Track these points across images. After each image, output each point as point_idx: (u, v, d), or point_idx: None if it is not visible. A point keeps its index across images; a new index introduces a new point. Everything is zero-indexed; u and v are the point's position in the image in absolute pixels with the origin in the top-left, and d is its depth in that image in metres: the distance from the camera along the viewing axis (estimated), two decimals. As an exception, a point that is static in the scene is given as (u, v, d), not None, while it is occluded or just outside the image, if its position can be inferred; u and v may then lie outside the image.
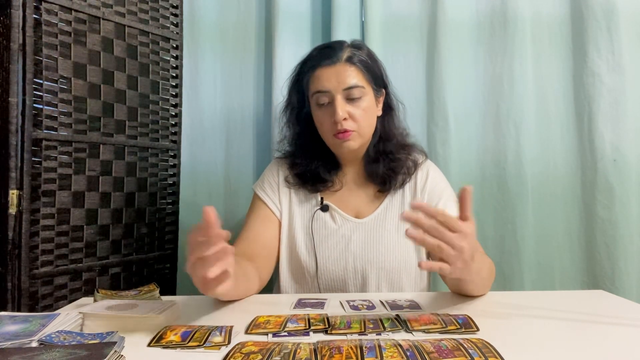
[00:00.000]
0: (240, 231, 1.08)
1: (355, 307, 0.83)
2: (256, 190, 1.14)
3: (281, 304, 0.87)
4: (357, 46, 1.05)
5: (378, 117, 1.08)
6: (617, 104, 1.37)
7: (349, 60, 1.01)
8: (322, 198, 1.09)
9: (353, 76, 1.00)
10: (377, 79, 1.06)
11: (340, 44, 1.05)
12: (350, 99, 1.00)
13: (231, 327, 0.71)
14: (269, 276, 1.06)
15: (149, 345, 0.65)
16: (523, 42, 1.42)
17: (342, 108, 0.99)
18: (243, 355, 0.59)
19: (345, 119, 0.99)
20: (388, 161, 1.07)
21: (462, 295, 0.92)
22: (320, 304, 0.85)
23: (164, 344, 0.65)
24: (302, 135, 1.11)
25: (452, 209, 1.05)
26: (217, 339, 0.66)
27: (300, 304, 0.86)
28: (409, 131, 1.16)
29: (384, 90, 1.09)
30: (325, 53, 1.02)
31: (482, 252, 0.93)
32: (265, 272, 1.03)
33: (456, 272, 0.68)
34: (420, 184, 1.09)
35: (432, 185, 1.09)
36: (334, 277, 1.04)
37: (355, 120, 1.01)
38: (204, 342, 0.65)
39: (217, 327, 0.71)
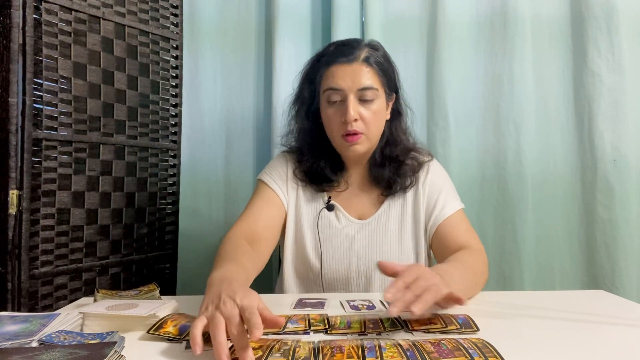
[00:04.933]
0: (241, 214, 1.05)
1: (355, 307, 0.83)
2: (263, 178, 1.10)
3: (281, 304, 0.87)
4: (375, 47, 1.04)
5: (386, 121, 1.06)
6: (617, 104, 1.37)
7: (366, 60, 0.99)
8: (329, 197, 1.09)
9: (368, 77, 0.99)
10: (390, 82, 1.05)
11: (357, 43, 1.03)
12: (362, 100, 0.98)
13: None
14: (268, 258, 1.03)
15: (147, 332, 0.66)
16: (523, 42, 1.42)
17: (354, 108, 0.97)
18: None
19: (355, 119, 0.98)
20: (394, 165, 1.07)
21: None
22: (320, 304, 0.85)
23: (161, 333, 0.66)
24: (309, 131, 1.09)
25: (451, 203, 1.06)
26: None
27: (300, 303, 0.86)
28: (414, 136, 1.15)
29: (394, 95, 1.07)
30: (342, 50, 1.00)
31: (460, 272, 0.86)
32: (265, 255, 1.01)
33: (441, 289, 0.70)
34: (420, 183, 1.09)
35: (431, 182, 1.08)
36: (338, 277, 1.04)
37: (366, 123, 0.99)
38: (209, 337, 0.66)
39: None
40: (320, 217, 1.07)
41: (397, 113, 1.09)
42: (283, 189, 1.09)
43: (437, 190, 1.07)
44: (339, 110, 0.99)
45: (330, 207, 1.08)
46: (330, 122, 1.02)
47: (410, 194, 1.09)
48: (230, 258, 0.83)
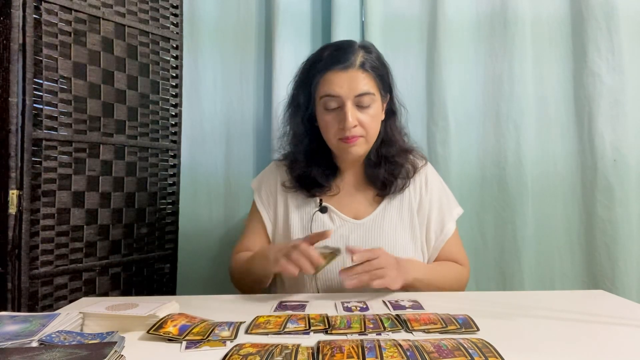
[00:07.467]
0: (242, 233, 1.17)
1: (348, 309, 0.82)
2: (254, 196, 1.16)
3: (263, 305, 0.87)
4: (368, 49, 1.03)
5: (381, 121, 1.07)
6: (617, 104, 1.37)
7: (362, 66, 0.99)
8: (321, 200, 1.09)
9: (365, 83, 0.99)
10: (385, 84, 1.05)
11: (351, 46, 1.02)
12: (360, 106, 0.99)
13: (240, 322, 0.71)
14: None
15: (147, 332, 0.67)
16: (523, 43, 1.42)
17: (352, 115, 0.98)
18: (241, 357, 0.59)
19: (354, 126, 0.98)
20: (389, 165, 1.07)
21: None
22: (301, 306, 0.84)
23: (161, 333, 0.66)
24: (304, 136, 1.09)
25: (448, 223, 1.10)
26: (225, 333, 0.67)
27: (281, 306, 0.85)
28: (409, 134, 1.16)
29: (389, 95, 1.08)
30: (337, 56, 1.00)
31: (432, 269, 1.05)
32: None
33: (392, 283, 0.88)
34: (418, 188, 1.10)
35: (438, 197, 1.11)
36: (332, 277, 1.04)
37: (364, 127, 1.00)
38: (208, 336, 0.66)
39: (223, 322, 0.72)
40: (314, 220, 1.07)
41: (391, 112, 1.10)
42: (269, 209, 1.13)
43: (447, 206, 1.11)
44: (337, 117, 1.00)
45: (323, 210, 1.08)
46: (327, 127, 1.02)
47: (410, 194, 1.09)
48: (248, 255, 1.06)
